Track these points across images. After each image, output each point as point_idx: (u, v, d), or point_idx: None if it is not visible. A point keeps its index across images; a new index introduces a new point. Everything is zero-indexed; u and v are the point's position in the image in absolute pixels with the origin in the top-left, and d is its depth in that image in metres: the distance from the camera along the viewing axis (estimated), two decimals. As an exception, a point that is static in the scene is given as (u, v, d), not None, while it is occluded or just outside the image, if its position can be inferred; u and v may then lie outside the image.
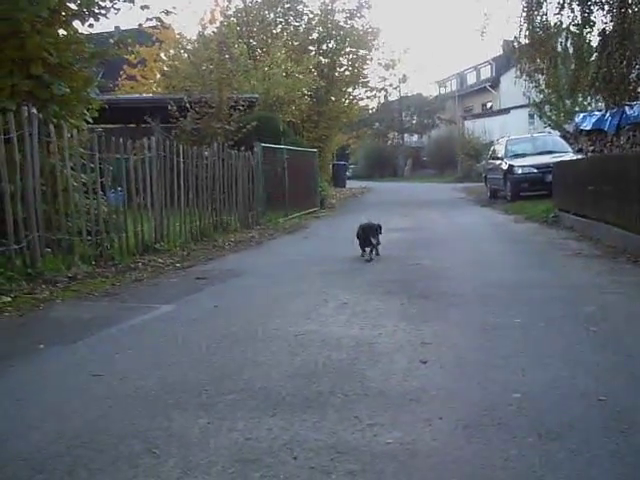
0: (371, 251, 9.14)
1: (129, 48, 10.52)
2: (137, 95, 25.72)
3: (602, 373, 3.94)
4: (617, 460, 2.80)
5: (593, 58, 13.96)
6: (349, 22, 30.65)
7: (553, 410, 3.37)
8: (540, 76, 22.28)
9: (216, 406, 3.56)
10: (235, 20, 27.90)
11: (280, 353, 4.58)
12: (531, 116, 34.24)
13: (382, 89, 37.18)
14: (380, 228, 9.25)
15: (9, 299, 6.51)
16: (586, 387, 3.69)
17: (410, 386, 3.81)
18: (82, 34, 9.46)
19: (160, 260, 9.23)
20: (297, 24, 30.47)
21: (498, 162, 21.24)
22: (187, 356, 4.60)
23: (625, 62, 12.51)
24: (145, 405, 3.62)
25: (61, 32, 9.11)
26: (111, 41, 10.14)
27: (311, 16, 30.42)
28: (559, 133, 24.12)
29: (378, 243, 9.10)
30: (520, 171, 19.09)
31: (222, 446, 3.05)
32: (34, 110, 7.75)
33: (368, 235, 9.02)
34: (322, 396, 3.68)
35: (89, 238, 8.65)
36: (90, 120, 9.52)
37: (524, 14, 15.38)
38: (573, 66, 15.27)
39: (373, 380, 3.93)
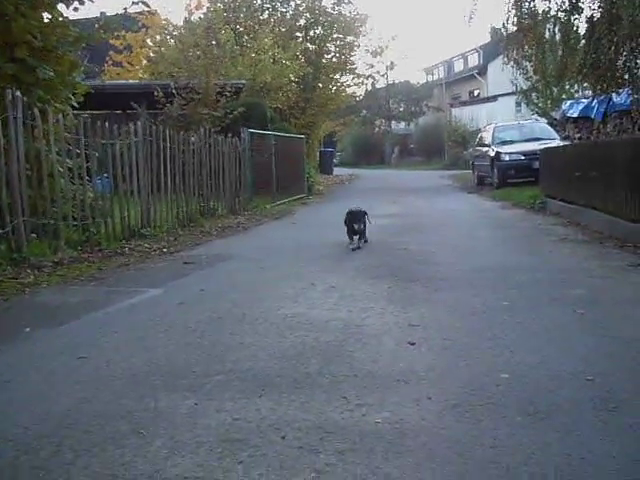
0: (359, 239, 8.96)
1: (115, 33, 10.44)
2: (123, 81, 25.53)
3: (590, 354, 3.95)
4: (606, 438, 2.80)
5: (581, 45, 13.92)
6: (336, 8, 30.54)
7: (541, 390, 3.37)
8: (527, 63, 22.26)
9: (203, 387, 3.54)
10: (222, 6, 27.67)
11: (268, 335, 4.56)
12: (518, 104, 34.24)
13: (369, 76, 37.17)
14: (366, 214, 9.09)
15: (-6, 284, 6.46)
16: (574, 368, 3.69)
17: (398, 367, 3.80)
18: (67, 18, 9.35)
19: (147, 245, 9.19)
20: (284, 10, 30.35)
21: (485, 149, 21.24)
22: (174, 339, 4.57)
23: (613, 48, 12.48)
24: (132, 387, 3.60)
25: (46, 15, 9.00)
26: (96, 26, 10.05)
27: (298, 2, 30.27)
28: (546, 120, 24.14)
29: (364, 230, 8.96)
30: (507, 158, 19.09)
31: (210, 426, 3.04)
32: (18, 93, 7.66)
33: (354, 221, 8.85)
34: (310, 377, 3.67)
35: (75, 223, 8.59)
36: (76, 105, 9.44)
37: (512, 1, 15.32)
38: (561, 53, 15.21)
39: (361, 361, 3.93)
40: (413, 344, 4.25)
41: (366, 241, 9.09)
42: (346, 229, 8.98)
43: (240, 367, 3.87)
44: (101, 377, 3.78)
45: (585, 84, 17.05)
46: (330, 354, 4.09)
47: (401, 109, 58.91)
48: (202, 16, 26.41)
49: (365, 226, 9.04)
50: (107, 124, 9.50)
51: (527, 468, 2.56)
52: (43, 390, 3.60)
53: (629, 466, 2.56)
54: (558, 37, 15.13)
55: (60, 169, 8.45)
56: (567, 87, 23.40)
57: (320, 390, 3.46)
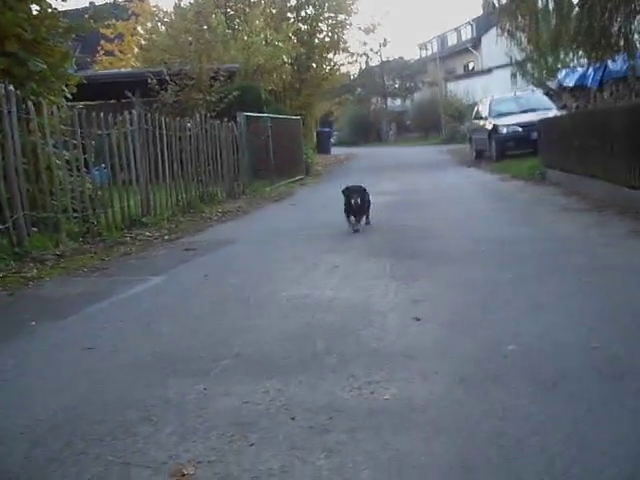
0: (358, 220, 8.47)
1: (105, 22, 10.40)
2: (116, 70, 25.40)
3: (595, 322, 3.96)
4: (615, 404, 2.81)
5: (574, 13, 13.82)
6: (327, -14, 30.33)
7: (548, 360, 3.38)
8: (521, 34, 22.12)
9: (211, 372, 3.55)
10: (211, -11, 27.51)
11: (273, 317, 4.57)
12: (514, 75, 34.05)
13: (363, 54, 37.10)
14: (366, 191, 8.60)
15: (-3, 279, 6.46)
16: (579, 336, 3.70)
17: (404, 343, 3.81)
18: (56, 9, 9.29)
19: (148, 233, 9.19)
20: (274, -9, 30.14)
21: (482, 122, 21.17)
22: (179, 325, 4.58)
23: (607, 15, 12.40)
24: (139, 375, 3.61)
25: (34, 7, 8.94)
26: (86, 16, 9.99)
27: (288, -18, 30.10)
28: (542, 91, 24.01)
29: (364, 208, 8.53)
30: (505, 130, 19.04)
31: (219, 411, 3.05)
32: (11, 87, 7.63)
33: (352, 196, 8.30)
34: (317, 357, 3.68)
35: (75, 215, 8.58)
36: (69, 96, 9.40)
37: (503, -29, 15.23)
38: (554, 22, 15.10)
39: (367, 339, 3.94)
40: (418, 320, 4.25)
41: (368, 223, 8.73)
42: (344, 208, 8.50)
43: (246, 350, 3.88)
44: (108, 367, 3.79)
45: (580, 52, 16.94)
46: (336, 333, 4.10)
47: (396, 86, 58.71)
48: (192, 1, 26.20)
49: (368, 205, 8.69)
50: (102, 114, 9.46)
51: (537, 438, 2.57)
52: (51, 382, 3.60)
53: (638, 432, 2.57)
54: (551, 6, 15.01)
55: (57, 161, 8.43)
56: (562, 56, 23.17)
57: (327, 370, 3.47)
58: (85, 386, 3.50)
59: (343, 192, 8.50)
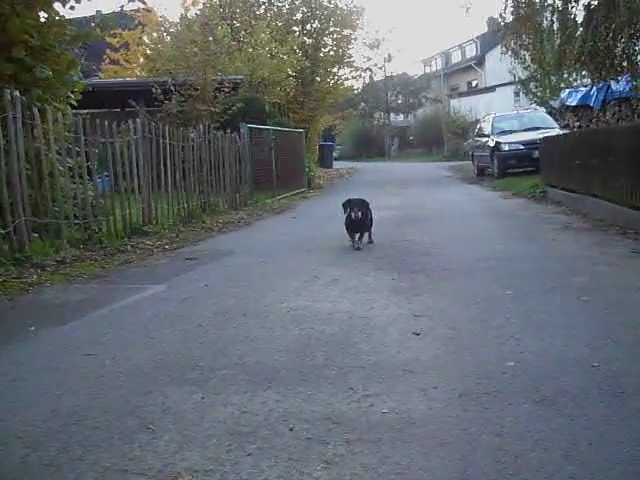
0: (360, 237, 8.21)
1: (111, 31, 10.42)
2: (121, 79, 25.50)
3: (595, 341, 3.95)
4: (614, 423, 2.81)
5: (579, 33, 13.89)
6: (333, 2, 30.38)
7: (548, 377, 3.38)
8: (525, 52, 22.22)
9: (210, 381, 3.55)
10: (218, 1, 27.61)
11: (273, 328, 4.57)
12: (517, 94, 34.23)
13: (367, 69, 37.04)
14: (368, 206, 8.27)
15: (-3, 283, 6.46)
16: (579, 354, 3.70)
17: (404, 357, 3.81)
18: (63, 17, 9.34)
19: (149, 242, 9.19)
20: (280, 4, 30.21)
21: (485, 139, 21.23)
22: (179, 334, 4.58)
23: (611, 35, 12.47)
24: (138, 382, 3.60)
25: (42, 15, 8.99)
26: (92, 24, 10.03)
27: (294, -4, 30.19)
28: (545, 109, 24.11)
29: (367, 223, 8.22)
30: (507, 147, 19.09)
31: (218, 420, 3.04)
32: (17, 93, 7.66)
33: (353, 210, 7.96)
34: (316, 369, 3.68)
35: (77, 222, 8.60)
36: (74, 104, 9.44)
37: (509, -10, 15.30)
38: (558, 41, 15.17)
39: (367, 352, 3.93)
40: (418, 334, 4.26)
41: (371, 241, 8.40)
42: (345, 222, 8.22)
43: (246, 361, 3.88)
44: (108, 373, 3.78)
45: (584, 72, 17.04)
46: (335, 346, 4.10)
47: (399, 101, 58.88)
48: (198, 12, 26.32)
49: (370, 221, 8.37)
50: (106, 122, 9.49)
51: (535, 454, 2.57)
52: (50, 387, 3.60)
53: (637, 450, 2.56)
54: (556, 26, 15.09)
55: (60, 168, 8.45)
56: (566, 76, 23.35)
57: (326, 382, 3.47)
58: (84, 392, 3.49)
59: (344, 205, 8.19)
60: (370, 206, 8.39)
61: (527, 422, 2.86)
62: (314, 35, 30.15)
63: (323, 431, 2.87)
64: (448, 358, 3.78)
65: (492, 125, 21.18)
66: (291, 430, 2.90)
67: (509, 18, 16.19)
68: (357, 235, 8.17)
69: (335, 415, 3.03)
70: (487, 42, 45.02)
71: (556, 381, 3.32)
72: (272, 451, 2.70)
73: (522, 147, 18.48)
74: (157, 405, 3.26)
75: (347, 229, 8.21)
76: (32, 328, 4.90)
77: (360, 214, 7.96)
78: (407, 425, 2.90)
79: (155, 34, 26.46)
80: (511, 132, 19.99)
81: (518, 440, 2.70)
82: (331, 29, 30.49)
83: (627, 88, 14.88)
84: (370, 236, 8.43)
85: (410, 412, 3.03)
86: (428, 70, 62.12)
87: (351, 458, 2.62)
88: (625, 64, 12.96)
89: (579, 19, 14.14)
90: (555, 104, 23.79)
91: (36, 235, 7.89)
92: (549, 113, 22.82)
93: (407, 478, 2.45)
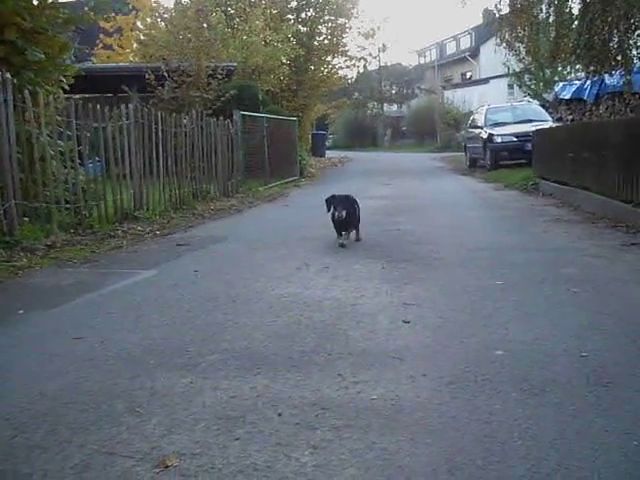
0: (347, 233, 7.56)
1: (105, 15, 10.35)
2: (114, 64, 25.34)
3: (583, 331, 3.97)
4: (601, 412, 2.82)
5: (574, 26, 13.87)
6: (328, -10, 30.29)
7: (536, 366, 3.39)
8: (520, 45, 22.19)
9: (199, 366, 3.55)
10: (213, -12, 27.47)
11: (262, 315, 4.56)
12: (510, 86, 34.27)
13: (361, 58, 36.85)
14: (356, 202, 7.73)
15: (-14, 267, 6.44)
16: (568, 344, 3.72)
17: (393, 345, 3.82)
18: (56, 0, 9.26)
19: (140, 228, 9.16)
20: (275, -8, 30.08)
21: (478, 131, 21.24)
22: (169, 319, 4.56)
23: (607, 29, 12.45)
24: (127, 366, 3.59)
25: (34, -3, 8.92)
26: (86, 8, 9.96)
27: (289, -16, 30.05)
28: (538, 102, 24.12)
29: (352, 220, 7.56)
30: (500, 140, 19.10)
31: (206, 404, 3.04)
32: (8, 75, 7.60)
33: (337, 207, 7.35)
34: (305, 355, 3.68)
35: (67, 207, 8.55)
36: (67, 87, 9.37)
37: (505, -19, 15.28)
38: (554, 34, 15.15)
39: (356, 340, 3.94)
40: (408, 322, 4.26)
41: (358, 239, 7.80)
42: (331, 219, 7.56)
43: (235, 346, 3.88)
44: (96, 357, 3.77)
45: (578, 66, 17.02)
46: (325, 333, 4.10)
47: (393, 91, 58.77)
48: (193, -2, 26.17)
49: (357, 217, 7.74)
50: (98, 106, 9.44)
51: (522, 442, 2.58)
52: (38, 370, 3.59)
53: (622, 439, 2.58)
54: (552, 18, 15.07)
55: (51, 152, 8.40)
56: (560, 69, 23.35)
57: (315, 368, 3.47)
58: (72, 375, 3.48)
59: (327, 202, 7.52)
60: (357, 201, 7.83)
61: (515, 410, 2.87)
62: (309, 23, 30.02)
63: (311, 417, 2.87)
64: (437, 346, 3.79)
65: (485, 117, 21.19)
66: (279, 415, 2.90)
67: (505, 10, 16.17)
68: (343, 232, 7.55)
69: (324, 401, 3.03)
70: (482, 34, 44.94)
71: (544, 370, 3.33)
72: (260, 436, 2.71)
73: (515, 139, 18.50)
74: (145, 389, 3.25)
75: (335, 226, 7.56)
76: (21, 311, 4.88)
77: (344, 213, 7.27)
78: (395, 412, 2.90)
79: (149, 19, 26.29)
80: (504, 124, 19.99)
81: (505, 428, 2.71)
82: (326, 17, 30.36)
83: (621, 82, 14.87)
84: (357, 234, 7.80)
85: (399, 399, 3.03)
86: (422, 61, 62.02)
87: (339, 443, 2.62)
88: (619, 58, 12.95)
89: (575, 12, 14.13)
90: (549, 97, 23.83)
91: (26, 219, 7.85)
92: (542, 106, 22.83)
93: (394, 464, 2.45)
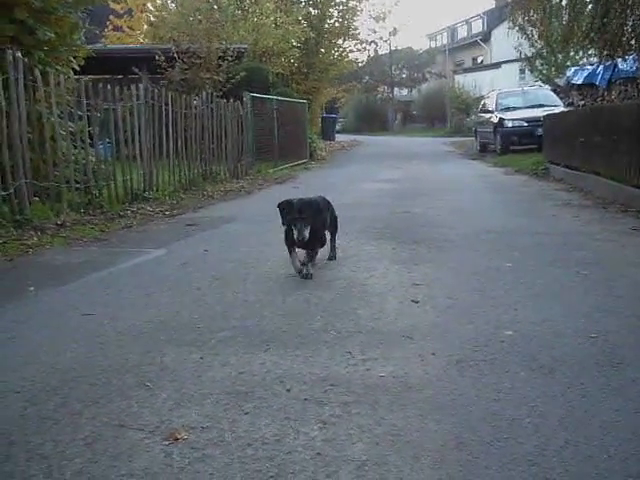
0: (310, 256, 5.14)
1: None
2: (124, 45, 25.29)
3: (593, 313, 3.96)
4: (609, 392, 2.82)
5: (588, 9, 13.74)
6: (340, -28, 30.11)
7: (545, 346, 3.39)
8: (533, 29, 22.07)
9: (209, 342, 3.56)
10: (223, -31, 27.33)
11: (272, 293, 4.58)
12: (522, 71, 34.08)
13: (372, 42, 36.87)
14: (326, 209, 5.51)
15: (-3, 244, 6.47)
16: (577, 325, 3.71)
17: (402, 324, 3.82)
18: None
19: (149, 208, 9.19)
20: (287, -26, 29.93)
21: (488, 115, 21.14)
22: (179, 296, 4.58)
23: (621, 12, 12.31)
24: (137, 342, 3.61)
25: (45, -24, 8.88)
26: (97, -11, 9.94)
27: (301, -35, 29.88)
28: (550, 87, 23.97)
29: (319, 239, 5.30)
30: (510, 124, 19.01)
31: (215, 379, 3.06)
32: (19, 54, 7.59)
33: (296, 226, 4.89)
34: (315, 333, 3.69)
35: (77, 186, 8.57)
36: (77, 68, 9.36)
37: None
38: (567, 17, 15.04)
39: (365, 318, 3.94)
40: (417, 302, 4.26)
41: (332, 257, 5.64)
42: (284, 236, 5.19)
43: (244, 324, 3.89)
44: (106, 333, 3.79)
45: (590, 51, 16.91)
46: (334, 311, 4.11)
47: (404, 75, 58.52)
48: (203, -20, 26.05)
49: (334, 227, 5.74)
50: (109, 86, 9.43)
51: (530, 420, 2.58)
52: (48, 345, 3.61)
53: (632, 418, 2.57)
54: (565, 1, 14.95)
55: (62, 132, 8.41)
56: (572, 54, 23.20)
57: (324, 345, 3.48)
58: (82, 350, 3.50)
59: (281, 210, 5.14)
60: (330, 205, 5.80)
61: (524, 389, 2.87)
62: (320, 6, 29.87)
63: (320, 392, 2.88)
64: (446, 326, 3.79)
65: (496, 101, 21.07)
66: (288, 391, 2.91)
67: (517, -7, 16.07)
68: (301, 253, 5.14)
69: (332, 377, 3.04)
70: (494, 18, 44.74)
71: (554, 351, 3.32)
72: (269, 410, 2.72)
73: (525, 124, 18.41)
74: (155, 364, 3.27)
75: (286, 244, 5.16)
76: (31, 288, 4.90)
77: (306, 233, 4.86)
78: (404, 389, 2.91)
79: (159, 1, 26.22)
80: (515, 109, 19.89)
81: (514, 406, 2.71)
82: (337, 0, 30.21)
83: (634, 67, 14.76)
84: (333, 249, 5.69)
85: (407, 377, 3.04)
86: (433, 45, 61.67)
87: (347, 419, 2.63)
88: (634, 42, 12.82)
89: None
90: (560, 82, 23.66)
91: (36, 199, 7.87)
92: (554, 91, 22.69)
93: (403, 439, 2.45)
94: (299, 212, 4.91)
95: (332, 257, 5.63)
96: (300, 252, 5.20)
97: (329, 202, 5.69)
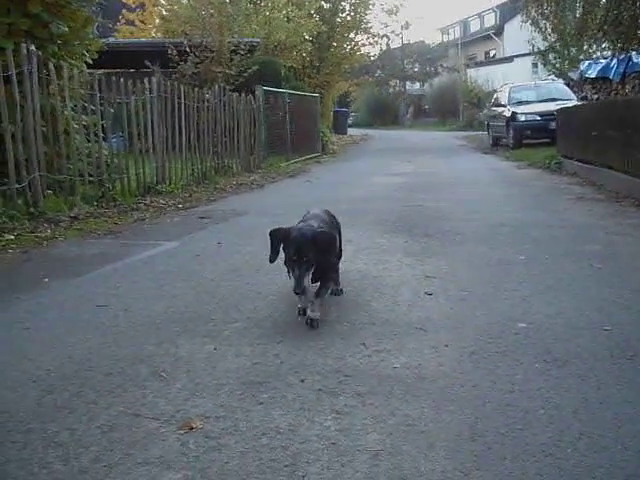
0: (322, 293, 3.80)
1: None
2: (136, 39, 25.34)
3: (607, 306, 3.94)
4: (624, 384, 2.81)
5: (603, 2, 13.65)
6: (352, -34, 30.08)
7: (559, 339, 3.38)
8: (546, 22, 21.92)
9: (222, 333, 3.58)
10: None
11: (285, 285, 4.54)
12: (534, 65, 33.87)
13: (384, 36, 36.74)
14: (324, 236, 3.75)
15: (12, 237, 6.51)
16: (591, 318, 3.70)
17: (416, 316, 3.82)
18: (80, -27, 9.25)
19: (162, 201, 9.22)
20: (299, -33, 29.89)
21: (501, 109, 21.03)
22: (192, 288, 4.60)
23: (636, 4, 12.23)
24: (151, 333, 3.63)
25: (58, -30, 8.91)
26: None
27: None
28: (563, 81, 23.84)
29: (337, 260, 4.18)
30: (523, 118, 18.91)
31: (229, 370, 3.07)
32: (33, 48, 7.62)
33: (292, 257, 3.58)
34: (328, 324, 3.69)
35: (90, 180, 8.61)
36: (90, 61, 9.39)
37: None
38: (581, 10, 14.96)
39: (379, 310, 3.95)
40: (430, 294, 4.27)
41: (339, 292, 4.30)
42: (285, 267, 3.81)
43: (258, 315, 3.91)
44: (121, 324, 3.81)
45: (604, 44, 16.78)
46: (347, 303, 4.12)
47: (416, 69, 58.29)
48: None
49: (339, 255, 4.29)
50: (122, 80, 9.46)
51: (544, 411, 2.58)
52: (63, 336, 3.63)
53: (647, 410, 2.57)
54: (578, -6, 14.87)
55: (75, 125, 8.45)
56: (585, 47, 23.02)
57: (338, 337, 3.48)
58: (97, 341, 3.52)
59: (272, 240, 3.78)
60: (335, 220, 4.42)
61: (537, 381, 2.87)
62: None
63: (334, 383, 2.89)
64: (460, 318, 3.79)
65: (509, 95, 20.97)
66: (302, 382, 2.92)
67: (531, -14, 15.97)
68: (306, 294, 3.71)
69: (346, 368, 3.05)
70: (507, 12, 44.54)
71: (567, 343, 3.32)
72: (283, 400, 2.73)
73: (539, 118, 18.31)
74: (169, 355, 3.29)
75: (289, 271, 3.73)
76: (46, 280, 4.94)
77: (306, 282, 3.58)
78: (418, 380, 2.91)
79: (171, -6, 26.22)
80: (528, 103, 19.78)
81: (528, 397, 2.71)
82: (349, -7, 30.20)
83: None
84: (336, 281, 4.28)
85: (421, 368, 3.04)
86: (446, 39, 61.43)
87: (361, 409, 2.63)
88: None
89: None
90: (574, 76, 23.52)
91: (50, 192, 7.92)
92: (567, 85, 22.55)
93: (417, 430, 2.46)
94: (297, 253, 3.56)
95: (338, 292, 4.33)
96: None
97: (334, 217, 4.36)
